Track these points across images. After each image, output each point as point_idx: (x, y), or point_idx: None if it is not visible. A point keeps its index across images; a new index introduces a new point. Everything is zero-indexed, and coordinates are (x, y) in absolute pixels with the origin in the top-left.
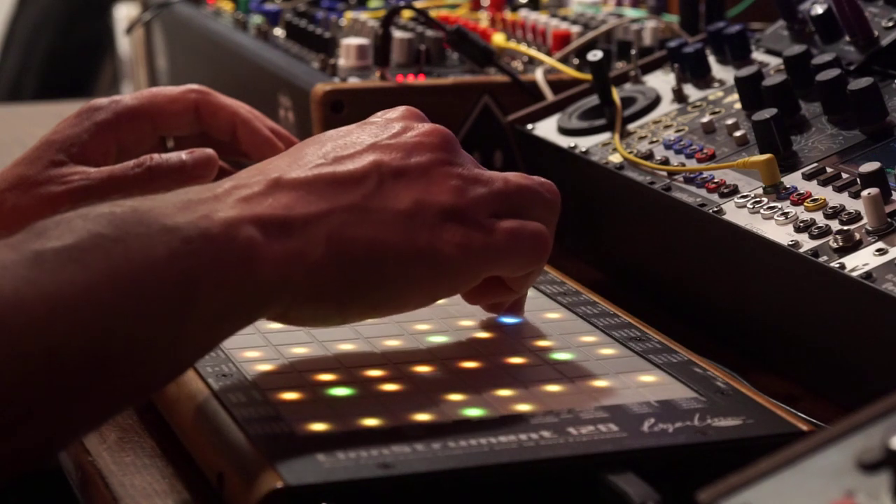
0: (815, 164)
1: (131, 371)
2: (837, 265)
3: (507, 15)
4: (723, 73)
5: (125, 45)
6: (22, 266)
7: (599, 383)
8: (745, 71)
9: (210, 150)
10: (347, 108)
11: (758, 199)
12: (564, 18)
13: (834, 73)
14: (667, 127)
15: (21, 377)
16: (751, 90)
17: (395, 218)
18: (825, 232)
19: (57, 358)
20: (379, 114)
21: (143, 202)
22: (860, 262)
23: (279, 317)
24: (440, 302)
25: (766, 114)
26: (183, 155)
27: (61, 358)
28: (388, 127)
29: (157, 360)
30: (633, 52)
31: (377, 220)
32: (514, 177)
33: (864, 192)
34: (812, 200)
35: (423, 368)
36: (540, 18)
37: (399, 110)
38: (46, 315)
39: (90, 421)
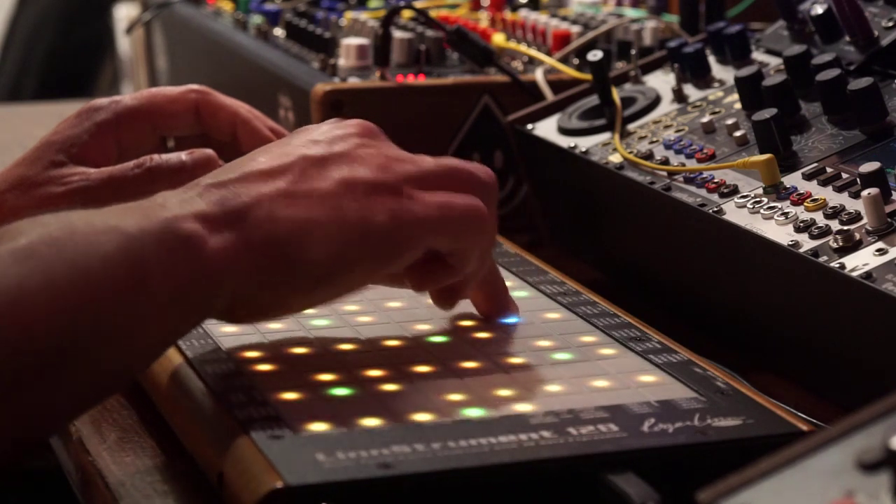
0: (815, 164)
1: (91, 367)
2: (837, 265)
3: (507, 15)
4: (723, 73)
5: (125, 45)
6: None
7: (599, 383)
8: (745, 71)
9: (210, 151)
10: (347, 108)
11: (758, 199)
12: (564, 18)
13: (834, 73)
14: (667, 127)
15: None
16: (751, 90)
17: (323, 197)
18: (825, 232)
19: (18, 352)
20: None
21: (87, 210)
22: (860, 262)
23: (228, 312)
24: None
25: (766, 114)
26: (183, 156)
27: (22, 352)
28: (316, 129)
29: (117, 352)
30: (633, 52)
31: (305, 201)
32: (445, 159)
33: (864, 192)
34: (812, 200)
35: (423, 368)
36: (540, 18)
37: (333, 119)
38: (13, 308)
39: (53, 418)
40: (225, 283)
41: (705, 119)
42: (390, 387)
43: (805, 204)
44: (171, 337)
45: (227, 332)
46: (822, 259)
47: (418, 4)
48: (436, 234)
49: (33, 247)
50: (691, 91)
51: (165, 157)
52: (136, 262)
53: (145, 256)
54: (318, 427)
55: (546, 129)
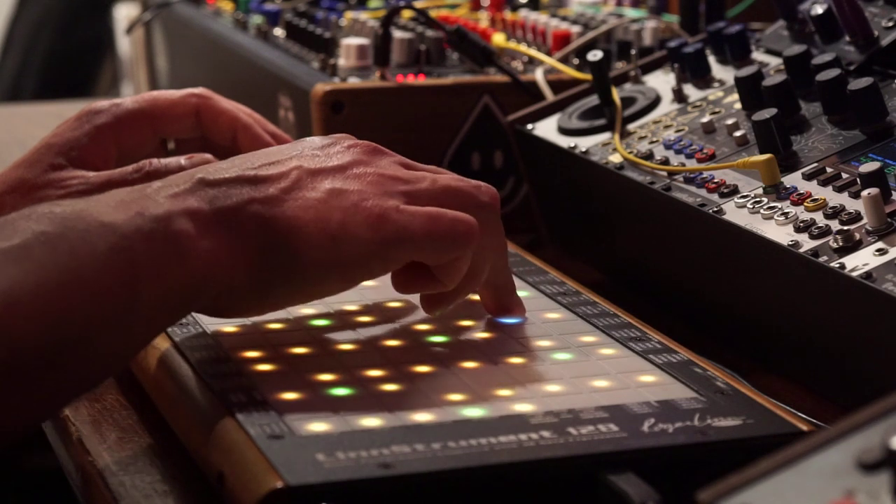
0: (815, 164)
1: (83, 361)
2: (837, 265)
3: (507, 15)
4: (723, 73)
5: (125, 45)
6: None
7: (599, 383)
8: (745, 71)
9: (208, 156)
10: (347, 108)
11: (758, 199)
12: (564, 18)
13: (834, 73)
14: (667, 127)
15: None
16: (751, 90)
17: (310, 203)
18: (825, 232)
19: (14, 350)
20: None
21: (79, 203)
22: (860, 262)
23: (210, 308)
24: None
25: (766, 114)
26: (182, 160)
27: (18, 350)
28: (316, 141)
29: (106, 349)
30: (633, 52)
31: (293, 206)
32: (444, 178)
33: (864, 192)
34: (812, 200)
35: (423, 368)
36: (540, 18)
37: (341, 135)
38: (5, 310)
39: (46, 409)
40: (211, 282)
41: (705, 119)
42: (390, 387)
43: (805, 204)
44: (157, 331)
45: (227, 333)
46: (822, 259)
47: (418, 4)
48: (418, 248)
49: (28, 246)
50: (691, 91)
51: (164, 161)
52: (127, 264)
53: (136, 259)
54: (318, 427)
55: (546, 129)
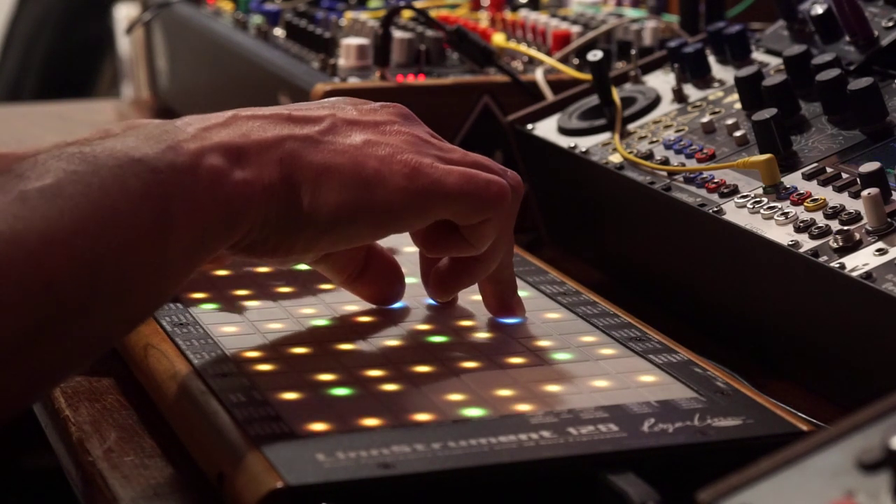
0: (815, 164)
1: (120, 300)
2: (837, 265)
3: (507, 15)
4: (723, 73)
5: (125, 45)
6: (10, 205)
7: (599, 383)
8: (745, 71)
9: None
10: None
11: (758, 199)
12: (564, 18)
13: (834, 73)
14: (667, 127)
15: (22, 309)
16: (751, 90)
17: (345, 148)
18: (825, 232)
19: (54, 290)
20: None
21: (108, 140)
22: (860, 262)
23: (242, 244)
24: (440, 302)
25: (766, 114)
26: None
27: (58, 290)
28: (348, 99)
29: (143, 288)
30: (633, 52)
31: (328, 149)
32: (473, 154)
33: (864, 192)
34: (812, 200)
35: (423, 368)
36: (540, 18)
37: (364, 99)
38: (42, 249)
39: (85, 352)
40: (244, 214)
41: (705, 119)
42: (390, 387)
43: (805, 204)
44: (192, 267)
45: (227, 333)
46: (822, 259)
47: (418, 4)
48: (451, 203)
49: (60, 185)
50: (691, 91)
51: None
52: (160, 198)
53: (169, 193)
54: (318, 427)
55: (546, 129)
